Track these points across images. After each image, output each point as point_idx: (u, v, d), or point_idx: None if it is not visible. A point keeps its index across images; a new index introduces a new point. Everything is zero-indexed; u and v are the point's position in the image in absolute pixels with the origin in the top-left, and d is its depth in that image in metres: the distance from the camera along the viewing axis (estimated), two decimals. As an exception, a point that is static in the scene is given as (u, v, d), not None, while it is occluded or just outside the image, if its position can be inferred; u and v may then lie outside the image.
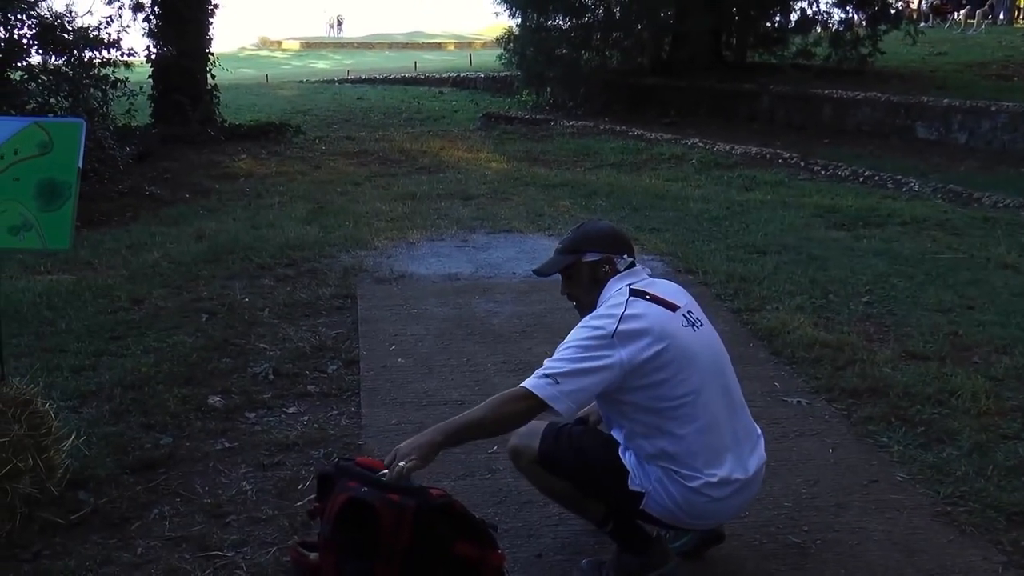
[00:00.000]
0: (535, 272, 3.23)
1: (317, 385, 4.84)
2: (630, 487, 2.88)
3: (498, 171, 11.74)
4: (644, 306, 2.87)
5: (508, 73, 20.82)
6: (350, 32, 53.23)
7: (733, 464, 2.86)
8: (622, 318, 2.81)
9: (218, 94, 15.68)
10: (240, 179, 11.68)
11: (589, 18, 18.47)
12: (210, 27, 15.31)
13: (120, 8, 14.29)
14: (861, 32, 17.84)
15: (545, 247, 7.47)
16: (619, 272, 3.02)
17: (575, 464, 2.97)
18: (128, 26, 13.73)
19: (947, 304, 6.09)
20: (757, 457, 2.97)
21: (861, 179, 11.30)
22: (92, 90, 11.11)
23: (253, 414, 4.50)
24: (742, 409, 3.00)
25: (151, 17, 14.71)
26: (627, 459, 2.92)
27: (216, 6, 15.22)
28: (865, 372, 4.90)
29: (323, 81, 27.75)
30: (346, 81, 27.60)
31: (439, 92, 23.21)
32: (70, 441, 3.81)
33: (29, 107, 10.00)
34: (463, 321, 5.85)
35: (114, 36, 11.57)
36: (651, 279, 3.06)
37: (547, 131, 15.75)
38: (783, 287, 6.42)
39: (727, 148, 13.36)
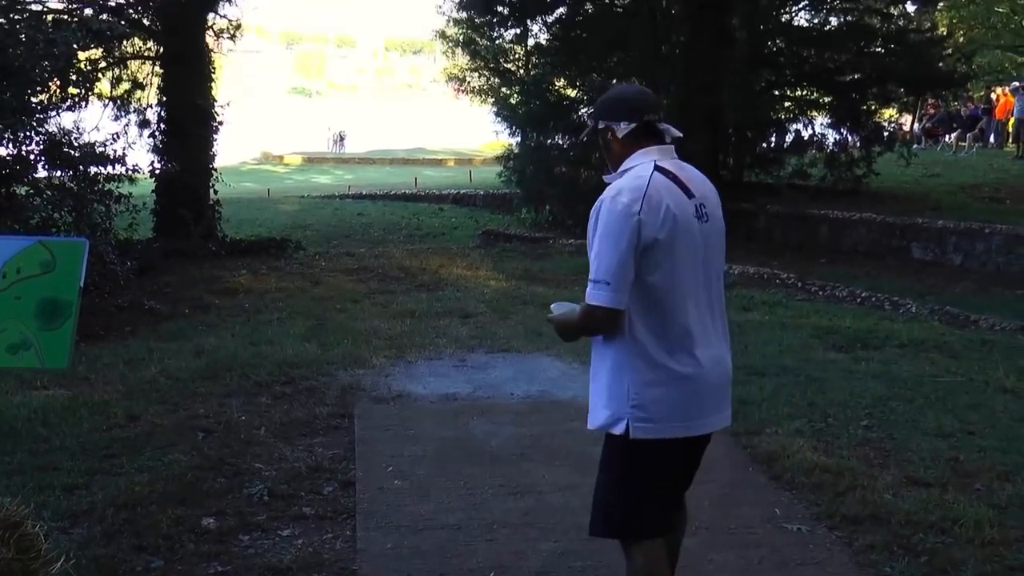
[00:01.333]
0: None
1: (312, 507, 4.78)
2: (616, 431, 3.09)
3: (497, 289, 11.79)
4: (665, 185, 3.03)
5: (507, 191, 21.08)
6: (352, 148, 53.92)
7: (702, 352, 3.10)
8: (644, 197, 2.98)
9: (220, 209, 15.84)
10: (240, 294, 11.72)
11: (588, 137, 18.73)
12: (214, 143, 15.56)
13: (127, 125, 14.55)
14: (856, 153, 18.16)
15: (544, 366, 7.46)
16: (619, 138, 3.15)
17: (609, 483, 3.19)
18: (134, 142, 13.95)
19: (947, 429, 6.05)
20: (722, 350, 3.21)
21: (858, 300, 11.35)
22: (96, 205, 11.21)
23: (247, 536, 4.44)
24: (720, 314, 3.27)
25: (156, 133, 14.97)
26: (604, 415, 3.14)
27: (220, 123, 15.49)
28: (866, 498, 4.84)
29: (324, 196, 28.06)
30: (347, 196, 27.89)
31: (439, 208, 23.47)
32: (59, 564, 3.72)
33: (33, 221, 10.06)
34: (461, 442, 5.80)
35: (120, 152, 11.73)
36: (678, 161, 3.17)
37: (546, 249, 15.87)
38: (782, 410, 6.39)
39: (725, 267, 13.40)
